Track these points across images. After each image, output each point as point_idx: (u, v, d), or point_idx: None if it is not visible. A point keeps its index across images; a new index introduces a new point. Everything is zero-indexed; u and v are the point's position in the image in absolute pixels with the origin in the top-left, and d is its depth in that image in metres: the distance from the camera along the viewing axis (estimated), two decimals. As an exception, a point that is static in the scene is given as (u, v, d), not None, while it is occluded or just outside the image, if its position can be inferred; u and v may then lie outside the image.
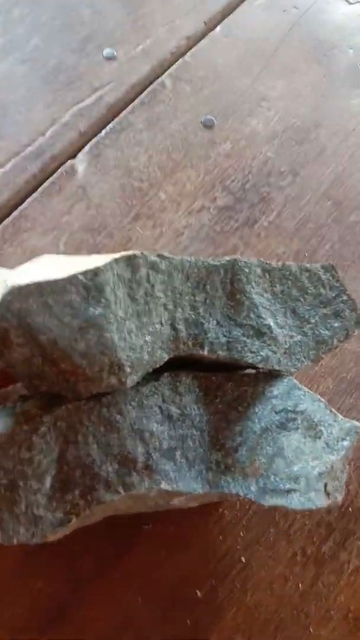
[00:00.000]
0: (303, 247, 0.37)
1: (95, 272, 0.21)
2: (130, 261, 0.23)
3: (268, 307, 0.25)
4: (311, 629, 0.30)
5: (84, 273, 0.21)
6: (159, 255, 0.23)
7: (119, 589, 0.29)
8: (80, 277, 0.21)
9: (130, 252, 0.23)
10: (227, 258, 0.25)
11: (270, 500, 0.23)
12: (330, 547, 0.31)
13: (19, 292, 0.21)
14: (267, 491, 0.24)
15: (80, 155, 0.38)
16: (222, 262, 0.25)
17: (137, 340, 0.23)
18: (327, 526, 0.31)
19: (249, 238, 0.37)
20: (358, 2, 0.46)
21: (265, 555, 0.30)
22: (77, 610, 0.28)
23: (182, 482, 0.24)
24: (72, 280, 0.21)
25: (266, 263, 0.25)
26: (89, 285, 0.21)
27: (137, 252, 0.23)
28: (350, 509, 0.32)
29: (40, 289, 0.21)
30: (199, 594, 0.29)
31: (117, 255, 0.23)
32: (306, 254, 0.37)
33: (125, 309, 0.23)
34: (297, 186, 0.39)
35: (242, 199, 0.38)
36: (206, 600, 0.29)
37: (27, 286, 0.21)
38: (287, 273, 0.26)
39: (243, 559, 0.30)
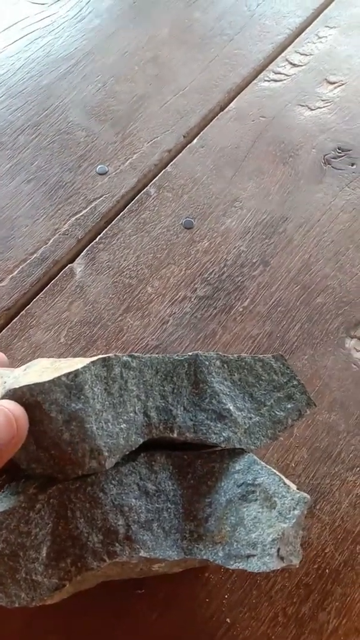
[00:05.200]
0: (275, 328, 0.42)
1: (75, 374, 0.26)
2: (105, 362, 0.27)
3: (228, 393, 0.30)
4: None
5: (66, 375, 0.26)
6: (130, 355, 0.28)
7: (115, 652, 0.32)
8: (63, 378, 0.26)
9: (104, 355, 0.28)
10: (190, 353, 0.29)
11: (234, 565, 0.27)
12: (309, 608, 0.34)
13: (14, 394, 0.26)
14: (231, 556, 0.27)
15: (78, 259, 0.44)
16: (185, 357, 0.29)
17: (113, 428, 0.27)
18: (306, 587, 0.34)
19: (227, 322, 0.42)
20: (319, 107, 0.53)
21: (248, 616, 0.33)
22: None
23: (159, 551, 0.28)
24: (56, 382, 0.26)
25: (224, 355, 0.30)
26: (71, 385, 0.26)
27: (111, 355, 0.28)
28: (327, 571, 0.34)
29: (31, 390, 0.26)
30: (188, 655, 0.32)
31: (94, 358, 0.27)
32: (278, 335, 0.41)
33: (103, 402, 0.27)
34: (268, 274, 0.44)
35: (219, 289, 0.43)
36: (195, 661, 0.32)
37: (20, 388, 0.26)
38: (243, 363, 0.30)
39: (228, 620, 0.33)
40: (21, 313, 0.42)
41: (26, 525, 0.27)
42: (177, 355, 0.29)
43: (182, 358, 0.29)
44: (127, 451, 0.28)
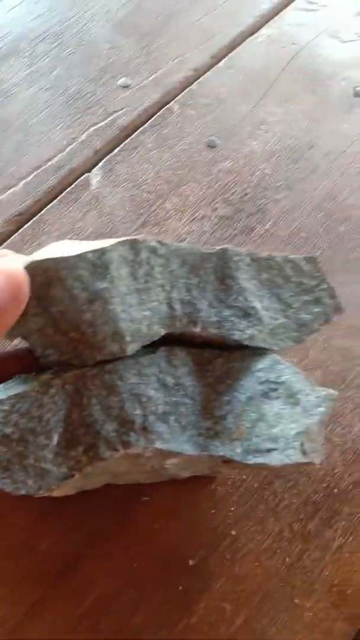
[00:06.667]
0: (295, 254, 0.40)
1: (102, 252, 0.25)
2: (133, 244, 0.26)
3: (255, 292, 0.29)
4: (296, 600, 0.31)
5: (93, 252, 0.25)
6: (158, 242, 0.27)
7: (119, 554, 0.31)
8: (90, 255, 0.25)
9: (133, 237, 0.26)
10: (219, 247, 0.28)
11: (253, 460, 0.26)
12: (316, 525, 0.33)
13: (38, 266, 0.25)
14: (250, 451, 0.26)
15: (95, 170, 0.42)
16: (214, 250, 0.28)
17: (137, 314, 0.26)
18: (314, 505, 0.34)
19: (246, 245, 0.40)
20: (351, 40, 0.51)
21: (254, 530, 0.33)
22: (84, 567, 0.31)
23: (175, 443, 0.27)
24: (82, 257, 0.25)
25: (254, 253, 0.29)
26: (97, 262, 0.25)
27: (139, 237, 0.26)
28: (335, 490, 0.34)
29: (55, 264, 0.25)
30: (190, 562, 0.32)
31: (122, 239, 0.26)
32: (298, 260, 0.40)
33: (128, 286, 0.26)
34: (292, 199, 0.42)
35: (241, 210, 0.42)
36: (197, 569, 0.32)
37: (45, 261, 0.25)
38: (273, 263, 0.29)
39: (233, 532, 0.32)
40: (34, 219, 0.40)
41: (38, 410, 0.26)
42: (205, 248, 0.28)
43: (211, 251, 0.28)
44: (148, 341, 0.27)
